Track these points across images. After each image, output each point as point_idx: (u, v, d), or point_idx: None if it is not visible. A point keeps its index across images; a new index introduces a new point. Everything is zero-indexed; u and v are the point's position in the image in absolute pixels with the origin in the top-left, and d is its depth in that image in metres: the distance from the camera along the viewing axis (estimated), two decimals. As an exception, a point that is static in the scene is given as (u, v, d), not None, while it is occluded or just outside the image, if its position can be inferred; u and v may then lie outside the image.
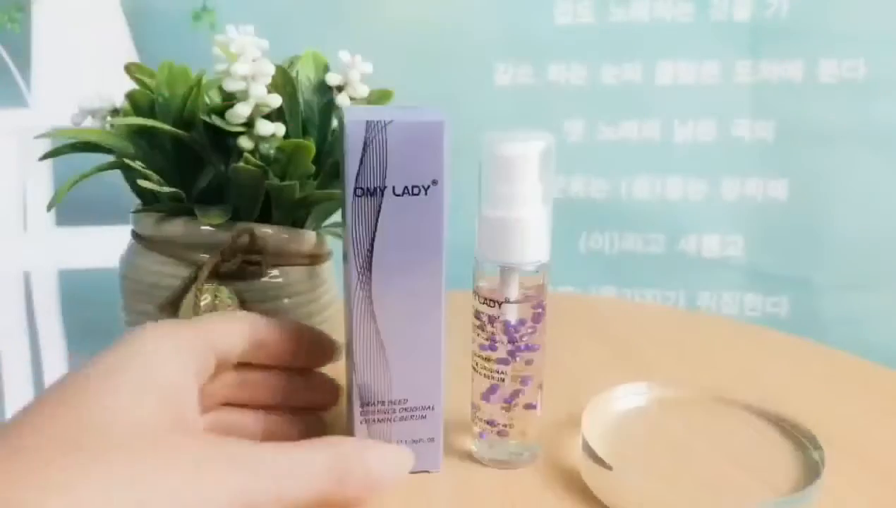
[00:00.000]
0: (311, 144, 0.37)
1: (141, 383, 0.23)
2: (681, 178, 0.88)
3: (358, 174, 0.27)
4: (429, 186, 0.28)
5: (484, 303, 0.35)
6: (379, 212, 0.28)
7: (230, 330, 0.29)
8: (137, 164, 0.38)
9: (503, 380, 0.35)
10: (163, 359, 0.24)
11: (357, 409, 0.31)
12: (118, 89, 0.39)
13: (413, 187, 0.27)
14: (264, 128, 0.37)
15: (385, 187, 0.27)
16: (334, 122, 0.40)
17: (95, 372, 0.23)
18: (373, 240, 0.28)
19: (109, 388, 0.22)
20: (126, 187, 0.40)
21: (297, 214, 0.40)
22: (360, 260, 0.28)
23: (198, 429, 0.26)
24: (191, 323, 0.28)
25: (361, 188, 0.27)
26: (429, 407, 0.32)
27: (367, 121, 0.27)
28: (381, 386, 0.31)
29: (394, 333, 0.30)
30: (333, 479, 0.24)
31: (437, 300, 0.30)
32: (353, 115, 0.27)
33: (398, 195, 0.27)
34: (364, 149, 0.27)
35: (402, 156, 0.27)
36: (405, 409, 0.32)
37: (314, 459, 0.24)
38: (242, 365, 0.31)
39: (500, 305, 0.34)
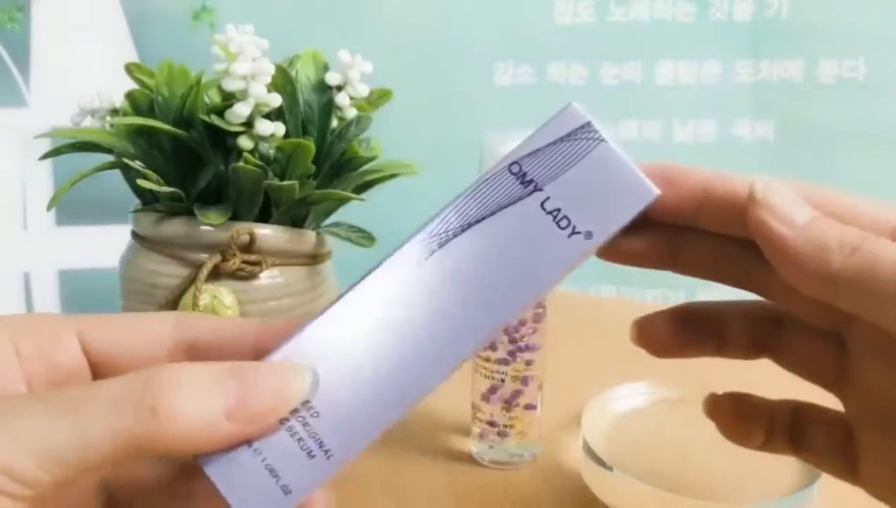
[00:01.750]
0: (310, 144, 0.37)
1: None
2: (681, 178, 0.89)
3: (533, 153, 0.22)
4: (580, 232, 0.21)
5: (484, 303, 0.35)
6: (510, 204, 0.22)
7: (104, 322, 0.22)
8: (137, 164, 0.38)
9: (503, 381, 0.35)
10: None
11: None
12: (118, 89, 0.39)
13: (563, 219, 0.22)
14: (264, 127, 0.37)
15: (540, 189, 0.22)
16: (334, 122, 0.40)
17: None
18: (475, 222, 0.22)
19: None
20: (126, 187, 0.40)
21: (297, 214, 0.40)
22: (442, 227, 0.21)
23: None
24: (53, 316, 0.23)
25: (520, 166, 0.22)
26: (327, 451, 0.20)
27: (590, 121, 0.22)
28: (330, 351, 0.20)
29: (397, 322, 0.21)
30: (144, 410, 0.17)
31: (464, 348, 0.21)
32: (582, 107, 0.22)
33: (544, 210, 0.22)
34: (562, 139, 0.22)
35: (586, 183, 0.22)
36: (310, 411, 0.20)
37: (111, 388, 0.18)
38: None
39: (499, 305, 0.34)
